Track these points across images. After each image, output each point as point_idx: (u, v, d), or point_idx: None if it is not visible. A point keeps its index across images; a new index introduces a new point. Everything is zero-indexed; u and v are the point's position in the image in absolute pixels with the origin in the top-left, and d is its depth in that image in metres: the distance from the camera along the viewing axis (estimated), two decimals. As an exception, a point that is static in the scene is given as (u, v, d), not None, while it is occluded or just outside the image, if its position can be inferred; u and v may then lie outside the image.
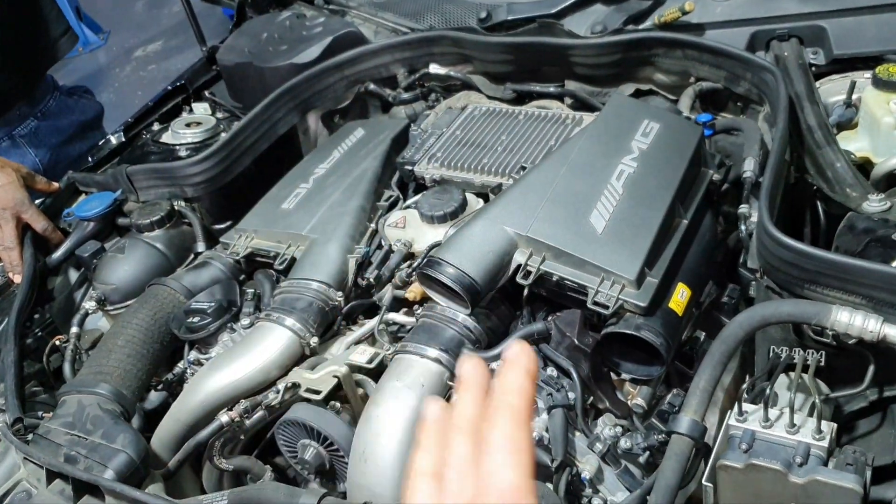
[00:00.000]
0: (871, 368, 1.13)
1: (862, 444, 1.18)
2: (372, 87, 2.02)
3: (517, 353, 0.68)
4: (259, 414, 1.33)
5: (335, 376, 1.30)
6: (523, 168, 1.52)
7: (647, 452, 1.22)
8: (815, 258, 1.13)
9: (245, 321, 1.50)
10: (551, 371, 1.25)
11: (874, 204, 1.26)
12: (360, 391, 1.35)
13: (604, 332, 1.26)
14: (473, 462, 0.65)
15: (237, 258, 1.62)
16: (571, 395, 1.21)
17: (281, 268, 1.55)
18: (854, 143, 1.47)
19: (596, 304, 1.24)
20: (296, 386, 1.32)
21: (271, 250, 1.59)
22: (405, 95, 2.00)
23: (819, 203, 1.43)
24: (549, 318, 1.33)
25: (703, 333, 1.40)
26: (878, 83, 1.47)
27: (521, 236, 1.31)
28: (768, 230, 1.19)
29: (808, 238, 1.45)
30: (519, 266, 1.30)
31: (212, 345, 1.50)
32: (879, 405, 1.19)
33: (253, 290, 1.55)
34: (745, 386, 1.14)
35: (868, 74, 1.56)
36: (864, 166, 1.46)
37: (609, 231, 1.30)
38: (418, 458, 0.69)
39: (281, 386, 1.33)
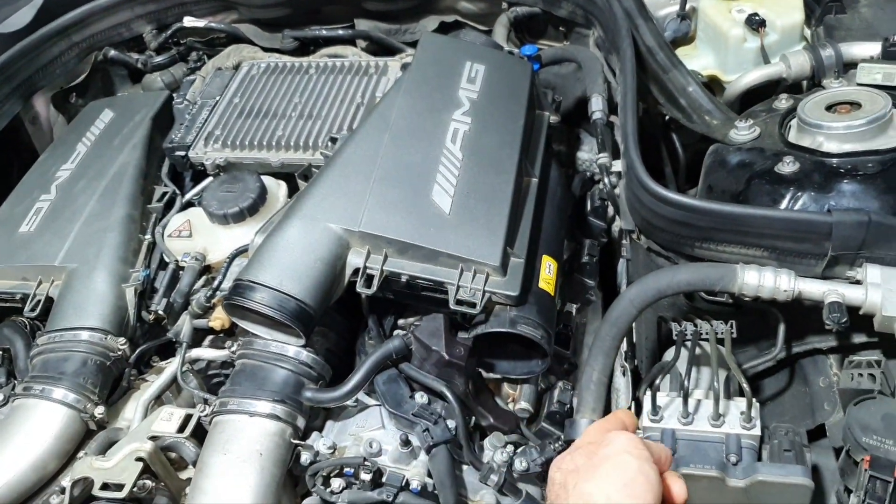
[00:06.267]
0: (782, 328, 0.99)
1: (775, 406, 1.06)
2: (112, 53, 1.62)
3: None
4: (44, 526, 0.99)
5: (139, 458, 0.98)
6: (333, 140, 1.22)
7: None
8: (711, 213, 0.96)
9: (-3, 397, 1.12)
10: (421, 397, 1.00)
11: (743, 133, 1.10)
12: (174, 455, 1.04)
13: (474, 334, 1.03)
14: None
15: (-30, 309, 1.21)
16: (451, 422, 0.97)
17: (34, 314, 1.17)
18: (697, 61, 1.31)
19: (460, 302, 1.00)
20: (86, 480, 0.98)
21: (16, 292, 1.21)
22: (158, 59, 1.62)
23: (674, 134, 1.27)
24: (405, 328, 1.07)
25: (574, 306, 1.21)
26: (716, -10, 1.31)
27: (351, 233, 1.03)
28: (647, 186, 0.99)
29: (672, 179, 1.28)
30: (357, 270, 1.03)
31: (-44, 437, 1.11)
32: (786, 362, 1.06)
33: (1, 352, 1.16)
34: (653, 372, 0.95)
35: (695, -22, 1.41)
36: (710, 85, 1.30)
37: (458, 209, 1.05)
38: None
39: (66, 483, 0.99)
